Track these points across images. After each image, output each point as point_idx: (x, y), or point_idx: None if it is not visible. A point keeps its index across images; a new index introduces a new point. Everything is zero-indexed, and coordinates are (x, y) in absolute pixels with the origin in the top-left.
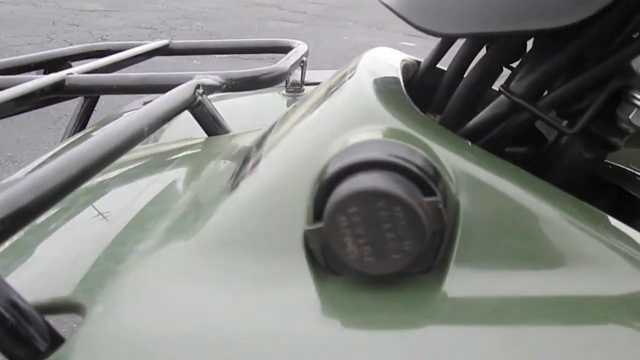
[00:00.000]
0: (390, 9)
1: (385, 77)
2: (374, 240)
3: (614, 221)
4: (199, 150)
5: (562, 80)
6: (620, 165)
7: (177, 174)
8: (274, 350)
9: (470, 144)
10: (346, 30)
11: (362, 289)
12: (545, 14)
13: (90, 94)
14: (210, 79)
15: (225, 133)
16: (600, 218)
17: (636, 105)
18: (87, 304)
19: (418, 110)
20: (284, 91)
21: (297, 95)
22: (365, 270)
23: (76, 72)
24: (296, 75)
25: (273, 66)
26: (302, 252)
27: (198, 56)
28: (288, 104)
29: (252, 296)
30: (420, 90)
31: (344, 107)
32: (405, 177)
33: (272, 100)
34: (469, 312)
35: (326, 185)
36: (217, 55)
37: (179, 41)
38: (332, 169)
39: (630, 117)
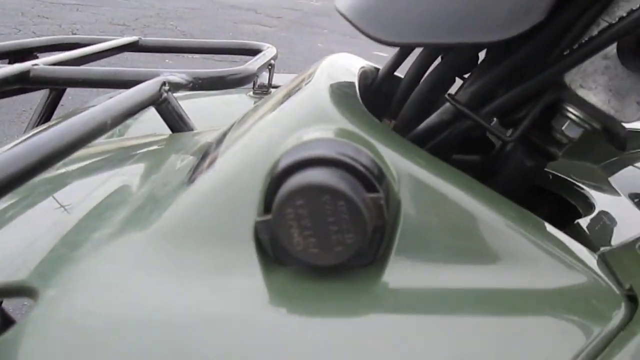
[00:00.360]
0: (345, 17)
1: (341, 82)
2: (318, 232)
3: (544, 223)
4: (162, 145)
5: (503, 91)
6: (562, 175)
7: (138, 168)
8: (221, 335)
9: (414, 146)
10: (320, 38)
11: (307, 279)
12: (482, 30)
13: (56, 86)
14: (177, 77)
15: (189, 130)
16: (532, 220)
17: (568, 118)
18: (40, 288)
19: (368, 113)
20: (251, 93)
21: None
22: (310, 260)
23: (42, 63)
24: (264, 78)
25: (240, 67)
26: (252, 243)
27: (170, 56)
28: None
29: (202, 284)
30: (377, 96)
31: (299, 107)
32: (350, 174)
33: (239, 101)
34: (406, 302)
35: (276, 179)
36: (190, 56)
37: (149, 38)
38: (283, 164)
39: (563, 128)
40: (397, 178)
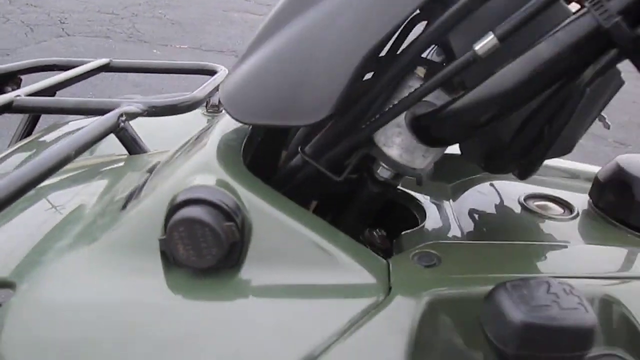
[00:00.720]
0: (221, 102)
1: (230, 137)
2: (194, 247)
3: (349, 239)
4: (118, 167)
5: (337, 144)
6: (407, 190)
7: (96, 187)
8: (137, 313)
9: (266, 187)
10: None
11: (194, 276)
12: (295, 116)
13: (35, 113)
14: (134, 107)
15: (143, 152)
16: (340, 237)
17: (380, 165)
18: (18, 282)
19: (240, 164)
20: (205, 111)
21: (215, 115)
22: (191, 265)
23: (23, 93)
24: (217, 97)
25: (189, 95)
26: (158, 253)
27: (158, 46)
28: (208, 123)
29: (127, 280)
30: (280, 133)
31: (195, 159)
32: (216, 210)
33: (193, 119)
34: (255, 291)
35: (171, 211)
36: (178, 46)
37: (118, 60)
38: (175, 201)
39: (378, 171)
40: (249, 210)
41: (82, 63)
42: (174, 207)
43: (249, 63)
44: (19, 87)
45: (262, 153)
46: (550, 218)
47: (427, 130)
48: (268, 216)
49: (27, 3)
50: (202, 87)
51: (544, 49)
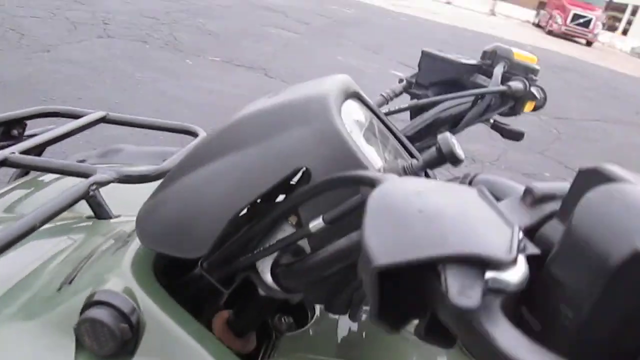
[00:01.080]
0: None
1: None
2: (96, 339)
3: (212, 337)
4: (84, 229)
5: (227, 265)
6: None
7: (55, 254)
8: None
9: (163, 295)
10: (342, 50)
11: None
12: (181, 251)
13: (26, 169)
14: (106, 175)
15: (108, 218)
16: (209, 340)
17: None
18: None
19: (149, 270)
20: None
21: None
22: (94, 352)
23: (18, 150)
24: None
25: (159, 166)
26: (74, 338)
27: (192, 56)
28: None
29: (47, 354)
30: None
31: (112, 264)
32: (116, 312)
33: None
34: None
35: (84, 308)
36: (210, 58)
37: (114, 113)
38: (90, 300)
39: (260, 289)
40: (144, 313)
41: (82, 114)
42: (86, 305)
43: (157, 197)
44: (24, 130)
45: (175, 259)
46: (407, 338)
47: (277, 277)
48: (157, 320)
49: (76, 0)
50: (173, 157)
51: (343, 241)
